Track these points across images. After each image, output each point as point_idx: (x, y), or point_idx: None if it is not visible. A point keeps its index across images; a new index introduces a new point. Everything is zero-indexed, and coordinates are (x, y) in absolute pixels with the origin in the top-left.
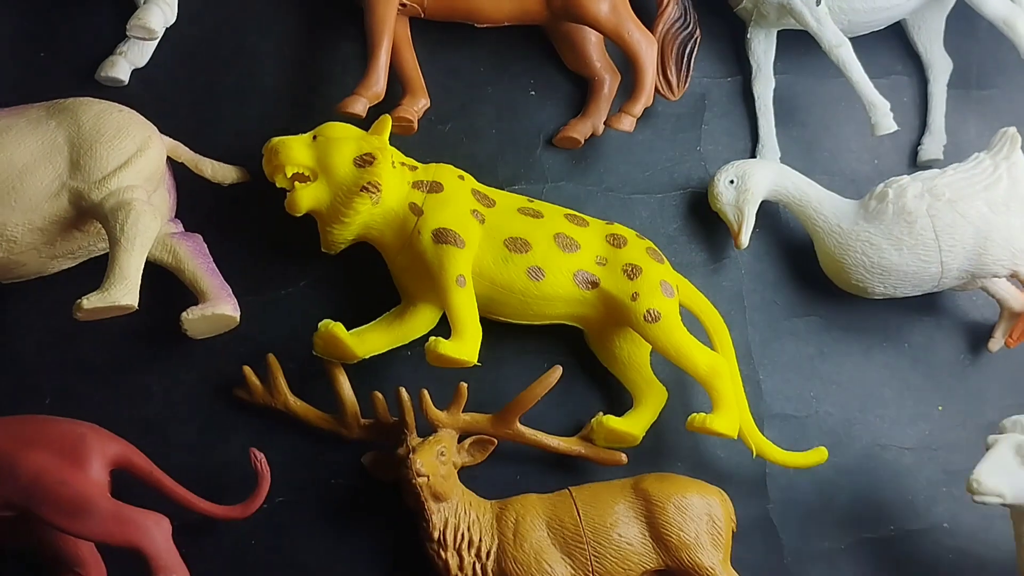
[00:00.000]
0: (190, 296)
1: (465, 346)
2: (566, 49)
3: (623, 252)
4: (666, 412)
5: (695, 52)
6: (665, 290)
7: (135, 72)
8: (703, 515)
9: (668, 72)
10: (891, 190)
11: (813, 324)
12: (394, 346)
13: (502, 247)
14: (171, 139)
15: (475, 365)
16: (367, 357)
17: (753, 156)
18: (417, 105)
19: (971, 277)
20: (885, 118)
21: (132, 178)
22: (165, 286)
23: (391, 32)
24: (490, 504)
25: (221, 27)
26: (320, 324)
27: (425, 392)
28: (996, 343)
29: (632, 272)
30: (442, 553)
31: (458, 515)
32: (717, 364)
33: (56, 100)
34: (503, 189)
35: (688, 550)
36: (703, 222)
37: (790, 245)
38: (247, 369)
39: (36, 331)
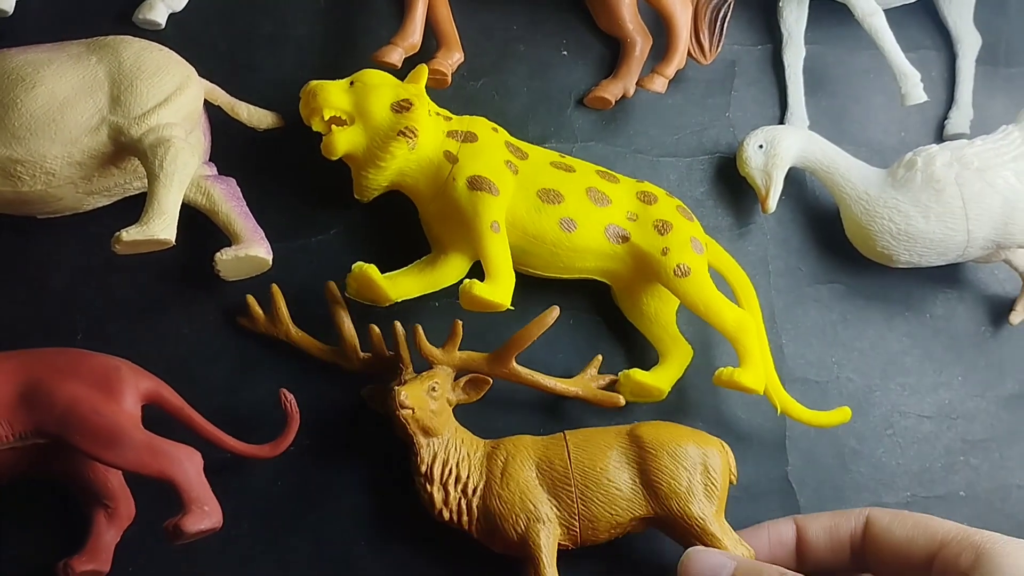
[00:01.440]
0: (223, 238)
1: (499, 289)
2: (599, 10)
3: (653, 208)
4: (689, 372)
5: (728, 17)
6: (695, 246)
7: (172, 16)
8: (697, 464)
9: (701, 36)
10: (920, 158)
11: (836, 291)
12: (425, 292)
13: (535, 198)
14: (208, 82)
15: (508, 310)
16: (399, 301)
17: (782, 124)
18: (451, 59)
19: (996, 247)
20: (916, 88)
21: (171, 116)
22: (198, 228)
23: None
24: (484, 443)
25: None
26: (354, 266)
27: (419, 327)
28: (1017, 316)
29: (663, 228)
30: (427, 487)
31: (447, 451)
32: (744, 320)
33: (96, 37)
34: None
35: (678, 499)
36: (730, 187)
37: (815, 213)
38: (250, 298)
39: (70, 268)
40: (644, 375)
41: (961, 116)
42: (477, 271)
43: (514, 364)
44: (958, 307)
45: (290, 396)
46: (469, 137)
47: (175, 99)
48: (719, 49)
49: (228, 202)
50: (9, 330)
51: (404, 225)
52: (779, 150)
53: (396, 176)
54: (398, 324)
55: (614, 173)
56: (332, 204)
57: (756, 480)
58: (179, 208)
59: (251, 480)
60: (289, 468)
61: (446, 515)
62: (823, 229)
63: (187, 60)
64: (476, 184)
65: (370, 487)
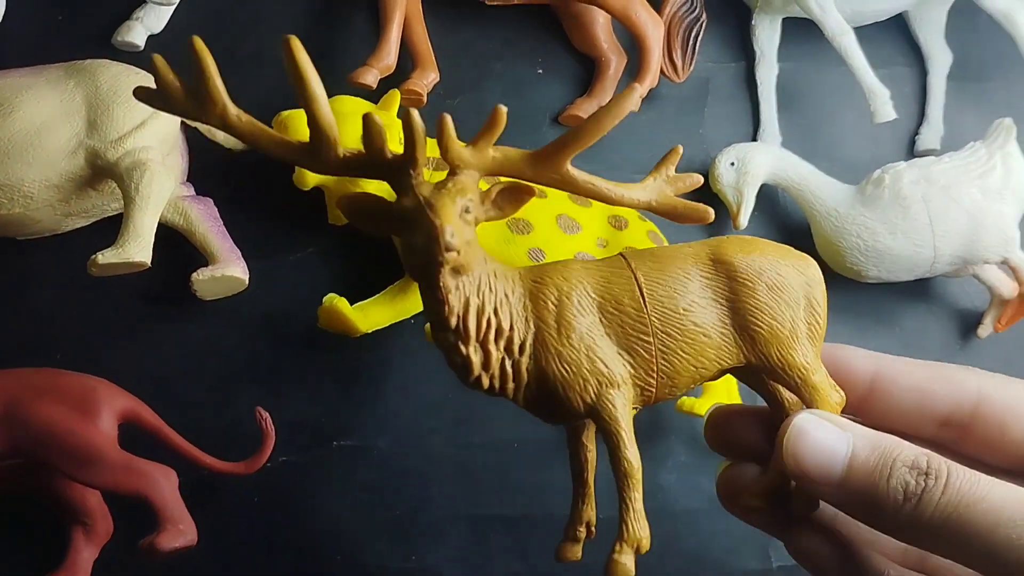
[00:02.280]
0: (200, 258)
1: None
2: (574, 29)
3: (624, 234)
4: None
5: (701, 36)
6: None
7: (151, 38)
8: (800, 298)
9: (674, 55)
10: (888, 176)
11: None
12: (396, 320)
13: (504, 228)
14: None
15: None
16: (370, 331)
17: (754, 140)
18: (427, 79)
19: (963, 263)
20: (885, 106)
21: (147, 139)
22: (176, 248)
23: (403, 6)
24: (519, 274)
25: None
26: (325, 299)
27: (447, 117)
28: (985, 329)
29: None
30: (461, 347)
31: (481, 292)
32: None
33: (74, 61)
34: None
35: (780, 344)
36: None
37: (787, 229)
38: (158, 59)
39: (48, 288)
40: None
41: (932, 132)
42: None
43: (568, 167)
44: (928, 321)
45: (265, 414)
46: (440, 165)
47: (151, 122)
48: (692, 67)
49: (205, 222)
50: None
51: (380, 245)
52: (751, 167)
53: None
54: (414, 112)
55: None
56: (308, 223)
57: None
58: (155, 231)
59: (228, 497)
60: (265, 485)
61: (485, 382)
62: (794, 245)
63: None
64: None
65: (346, 502)
